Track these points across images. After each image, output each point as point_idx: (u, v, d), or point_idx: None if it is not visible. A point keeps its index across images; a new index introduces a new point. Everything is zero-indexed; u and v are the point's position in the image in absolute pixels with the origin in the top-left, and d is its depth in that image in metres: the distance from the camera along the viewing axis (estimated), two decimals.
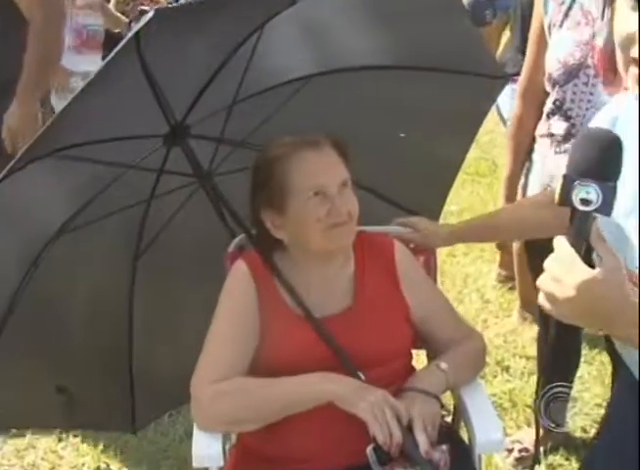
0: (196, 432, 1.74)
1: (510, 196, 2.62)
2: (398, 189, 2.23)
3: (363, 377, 1.74)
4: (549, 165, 2.38)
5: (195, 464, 1.69)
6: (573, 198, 1.09)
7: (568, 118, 2.28)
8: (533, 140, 2.50)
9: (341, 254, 1.86)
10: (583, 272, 1.06)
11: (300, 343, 1.78)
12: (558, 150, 2.35)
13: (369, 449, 1.65)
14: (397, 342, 1.84)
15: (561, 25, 2.24)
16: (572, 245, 1.08)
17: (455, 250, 4.31)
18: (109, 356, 2.29)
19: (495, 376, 3.21)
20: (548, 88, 2.33)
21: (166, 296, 2.31)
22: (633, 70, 1.18)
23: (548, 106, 2.35)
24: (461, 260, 4.31)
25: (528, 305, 3.53)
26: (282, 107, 2.08)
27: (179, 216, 2.21)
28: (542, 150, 2.42)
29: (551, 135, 2.35)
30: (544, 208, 1.79)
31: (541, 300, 1.10)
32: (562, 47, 2.22)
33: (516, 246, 3.45)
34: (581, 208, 1.08)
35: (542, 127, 2.41)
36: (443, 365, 1.81)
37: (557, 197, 1.11)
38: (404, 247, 1.96)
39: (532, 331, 3.40)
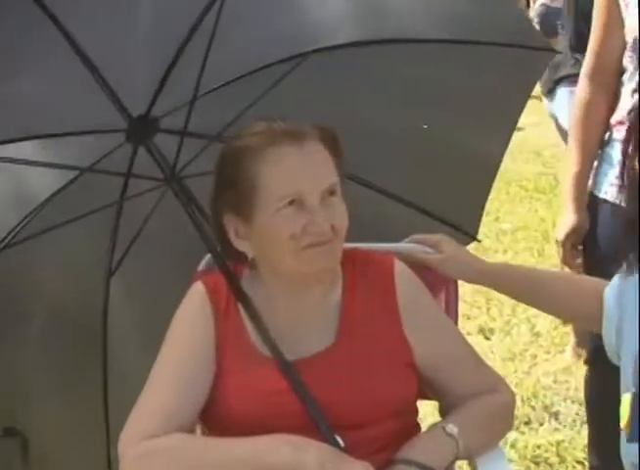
0: None
1: (579, 197, 2.14)
2: (421, 192, 1.82)
3: (342, 443, 1.33)
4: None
5: None
6: None
7: None
8: (605, 131, 2.07)
9: (324, 277, 1.45)
10: None
11: (265, 393, 1.39)
12: None
13: None
14: (394, 394, 1.42)
15: None
16: None
17: None
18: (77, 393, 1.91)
19: (542, 423, 2.77)
20: (629, 56, 1.95)
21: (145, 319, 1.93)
22: None
23: (632, 81, 1.96)
24: None
25: (584, 340, 3.05)
26: (268, 93, 1.68)
27: (153, 224, 1.83)
28: (621, 129, 1.99)
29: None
30: (593, 296, 1.47)
31: None
32: None
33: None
34: None
35: (623, 109, 2.00)
36: (452, 428, 1.38)
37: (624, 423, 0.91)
38: (408, 269, 1.53)
39: None
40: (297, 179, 1.35)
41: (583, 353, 3.09)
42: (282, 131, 1.37)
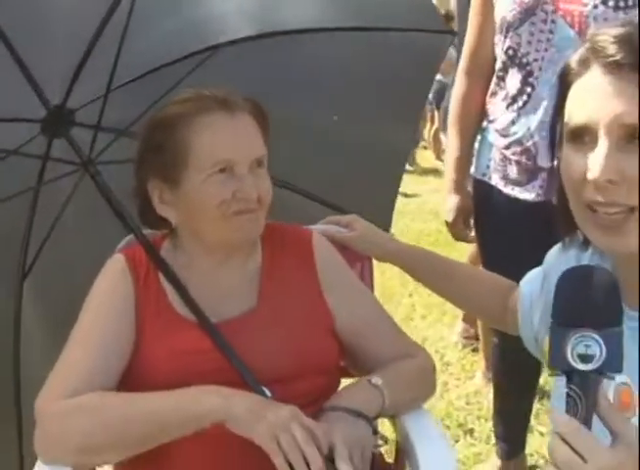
0: (38, 464, 1.29)
1: (461, 180, 2.30)
2: (331, 186, 1.86)
3: (269, 394, 1.32)
4: (501, 124, 2.14)
5: None
6: (569, 356, 0.88)
7: (523, 67, 2.04)
8: (482, 119, 2.24)
9: (245, 246, 1.47)
10: (606, 454, 0.85)
11: (188, 353, 1.38)
12: (512, 108, 2.10)
13: None
14: (315, 352, 1.44)
15: None
16: (579, 419, 0.87)
17: (412, 313, 3.97)
18: None
19: (457, 440, 2.77)
20: (499, 39, 2.10)
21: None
22: None
23: (499, 62, 2.12)
24: (419, 324, 3.94)
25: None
26: (178, 85, 1.71)
27: (68, 221, 1.81)
28: (494, 110, 2.17)
29: (504, 95, 2.12)
30: (499, 295, 1.52)
31: None
32: None
33: None
34: (581, 366, 0.87)
35: (492, 90, 2.18)
36: (377, 380, 1.40)
37: (545, 355, 0.90)
38: (325, 239, 1.58)
39: None
40: (228, 148, 1.37)
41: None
42: (214, 99, 1.39)
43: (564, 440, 0.86)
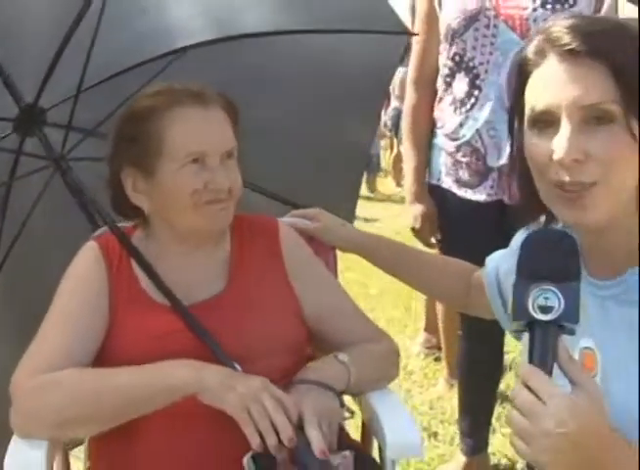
0: (14, 439, 1.32)
1: (421, 188, 2.38)
2: (291, 185, 1.92)
3: (239, 368, 1.38)
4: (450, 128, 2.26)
5: None
6: (530, 306, 0.95)
7: (469, 71, 2.16)
8: (432, 127, 2.35)
9: (215, 234, 1.53)
10: (564, 398, 0.91)
11: (160, 333, 1.43)
12: (460, 111, 2.21)
13: (246, 459, 1.27)
14: (282, 334, 1.49)
15: None
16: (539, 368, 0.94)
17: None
18: None
19: (422, 443, 2.81)
20: (444, 48, 2.22)
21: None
22: None
23: (446, 68, 2.24)
24: None
25: (454, 371, 3.20)
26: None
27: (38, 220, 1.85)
28: (442, 116, 2.29)
29: (451, 100, 2.24)
30: (462, 277, 1.61)
31: (513, 439, 0.93)
32: (458, 3, 2.15)
33: (441, 311, 3.18)
34: (541, 316, 0.94)
35: (439, 96, 2.30)
36: (343, 356, 1.47)
37: (510, 310, 0.98)
38: (291, 229, 1.64)
39: None
40: (201, 139, 1.43)
41: (455, 384, 3.25)
42: (187, 92, 1.45)
43: (526, 386, 0.93)
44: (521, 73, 1.13)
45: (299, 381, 1.39)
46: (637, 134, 1.04)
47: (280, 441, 1.26)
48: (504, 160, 2.14)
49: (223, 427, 1.29)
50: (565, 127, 1.05)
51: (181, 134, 1.43)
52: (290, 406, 1.29)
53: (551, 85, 1.07)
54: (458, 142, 2.22)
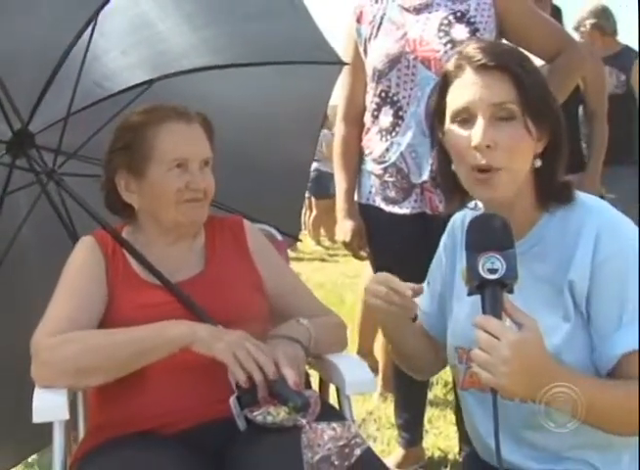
0: (37, 389, 1.58)
1: (350, 208, 2.73)
2: (246, 200, 2.23)
3: (222, 328, 1.67)
4: (377, 154, 2.61)
5: (35, 419, 1.52)
6: (481, 270, 1.24)
7: (394, 104, 2.54)
8: (361, 155, 2.71)
9: (193, 229, 1.84)
10: (514, 334, 1.22)
11: (153, 304, 1.72)
12: (385, 139, 2.57)
13: (232, 399, 1.55)
14: (250, 305, 1.80)
15: (376, 36, 2.58)
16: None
17: None
18: None
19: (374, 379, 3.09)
20: (371, 87, 2.61)
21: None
22: None
23: (373, 103, 2.61)
24: None
25: (389, 384, 3.49)
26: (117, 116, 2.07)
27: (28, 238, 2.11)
28: (370, 144, 2.64)
29: (378, 129, 2.60)
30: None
31: (477, 370, 1.23)
32: (383, 49, 2.54)
33: (378, 332, 3.48)
34: (490, 276, 1.24)
35: (367, 127, 2.65)
36: (303, 320, 1.78)
37: (464, 277, 1.28)
38: (254, 226, 1.97)
39: None
40: (185, 148, 1.77)
41: (390, 396, 3.54)
42: (174, 110, 1.79)
43: (483, 330, 1.23)
44: (443, 83, 1.48)
45: (270, 337, 1.69)
46: (532, 130, 1.39)
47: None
48: (425, 177, 2.51)
49: (213, 376, 1.58)
50: (480, 121, 1.39)
51: (168, 143, 1.75)
52: (265, 352, 1.59)
53: (468, 90, 1.42)
54: (385, 164, 2.58)
